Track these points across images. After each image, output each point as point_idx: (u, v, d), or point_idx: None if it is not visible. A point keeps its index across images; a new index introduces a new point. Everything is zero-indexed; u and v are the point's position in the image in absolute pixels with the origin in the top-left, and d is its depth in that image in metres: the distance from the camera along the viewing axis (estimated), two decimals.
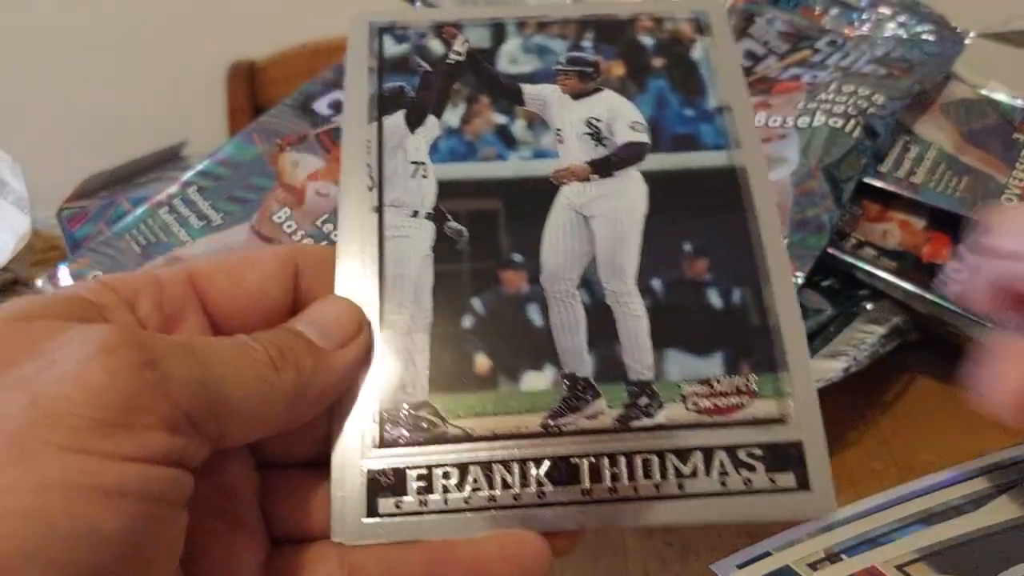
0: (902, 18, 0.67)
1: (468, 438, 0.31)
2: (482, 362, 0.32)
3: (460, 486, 0.30)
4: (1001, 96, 0.65)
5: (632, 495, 0.30)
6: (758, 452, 0.31)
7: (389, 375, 0.31)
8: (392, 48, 0.37)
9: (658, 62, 0.37)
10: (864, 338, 0.56)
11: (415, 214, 0.34)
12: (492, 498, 0.30)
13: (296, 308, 0.32)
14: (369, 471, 0.30)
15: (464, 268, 0.33)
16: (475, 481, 0.30)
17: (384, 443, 0.31)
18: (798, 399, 0.31)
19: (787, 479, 0.30)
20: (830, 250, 0.58)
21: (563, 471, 0.30)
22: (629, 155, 0.35)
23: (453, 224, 0.34)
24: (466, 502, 0.30)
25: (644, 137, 0.35)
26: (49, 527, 0.22)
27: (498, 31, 0.38)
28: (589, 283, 0.33)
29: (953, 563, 0.43)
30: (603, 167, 0.35)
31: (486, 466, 0.30)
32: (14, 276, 0.61)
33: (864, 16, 0.69)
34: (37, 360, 0.24)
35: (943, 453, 0.48)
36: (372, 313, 0.32)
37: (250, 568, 0.30)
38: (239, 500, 0.30)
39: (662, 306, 0.33)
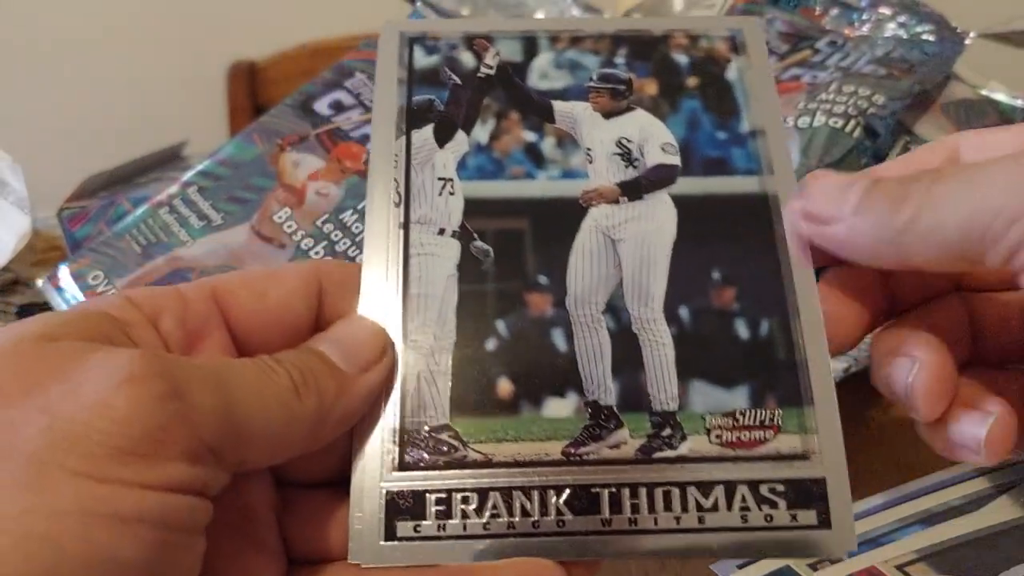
0: (902, 18, 0.66)
1: (488, 463, 0.30)
2: (504, 386, 0.32)
3: (479, 511, 0.30)
4: (1001, 96, 0.64)
5: (652, 527, 0.30)
6: (780, 488, 0.30)
7: (410, 396, 0.31)
8: (422, 59, 0.37)
9: (692, 81, 0.37)
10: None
11: (441, 232, 0.33)
12: (511, 525, 0.30)
13: (320, 324, 0.32)
14: (388, 493, 0.30)
15: (489, 289, 0.33)
16: (494, 507, 0.30)
17: (404, 465, 0.30)
18: (823, 435, 0.31)
19: (809, 516, 0.30)
20: None
21: (583, 500, 0.30)
22: (660, 178, 0.35)
23: (479, 243, 0.33)
24: (485, 528, 0.30)
25: (675, 159, 0.35)
26: (63, 553, 0.22)
27: (530, 45, 0.37)
28: (615, 309, 0.33)
29: (953, 563, 0.43)
30: (633, 190, 0.34)
31: (506, 492, 0.30)
32: (14, 276, 0.61)
33: (864, 16, 0.68)
34: (61, 385, 0.24)
35: None
36: (395, 332, 0.32)
37: None
38: (257, 520, 0.30)
39: (688, 335, 0.32)
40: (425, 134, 0.35)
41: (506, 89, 0.36)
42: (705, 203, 0.34)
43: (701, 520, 0.30)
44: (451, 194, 0.34)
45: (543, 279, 0.33)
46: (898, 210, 0.29)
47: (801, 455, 0.31)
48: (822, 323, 0.32)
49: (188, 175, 0.56)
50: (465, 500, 0.30)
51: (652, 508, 0.30)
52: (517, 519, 0.30)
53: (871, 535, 0.45)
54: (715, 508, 0.30)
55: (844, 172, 0.32)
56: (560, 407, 0.31)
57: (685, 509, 0.30)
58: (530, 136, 0.35)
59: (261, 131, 0.58)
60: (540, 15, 0.69)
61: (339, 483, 0.31)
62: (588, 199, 0.34)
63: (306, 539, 0.31)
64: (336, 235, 0.54)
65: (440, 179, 0.34)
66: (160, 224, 0.54)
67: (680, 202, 0.34)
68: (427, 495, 0.30)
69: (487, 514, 0.30)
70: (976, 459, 0.31)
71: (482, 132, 0.35)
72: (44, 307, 0.54)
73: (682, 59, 0.37)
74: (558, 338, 0.32)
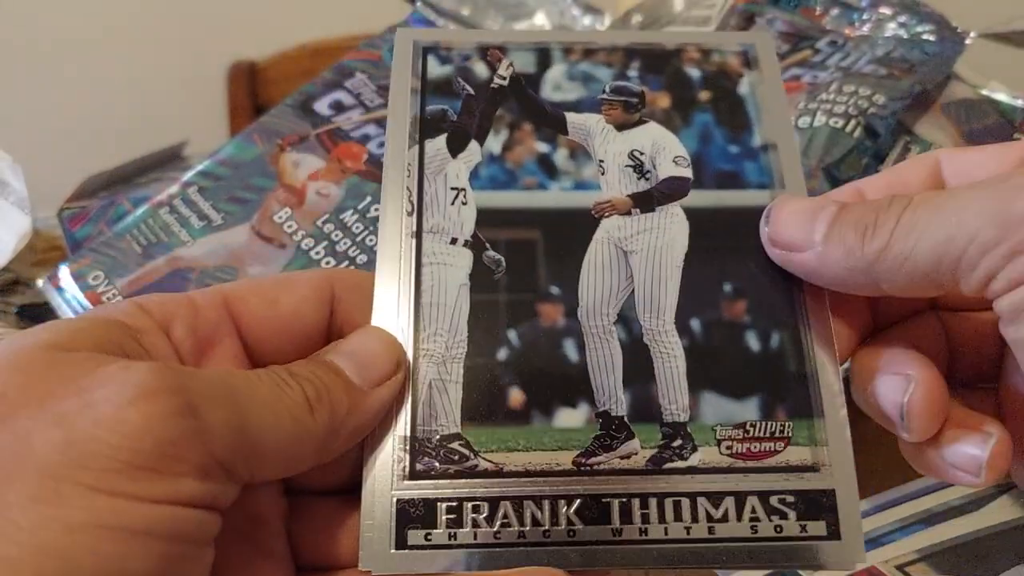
0: (903, 18, 0.66)
1: (499, 473, 0.31)
2: (516, 396, 0.32)
3: (490, 520, 0.30)
4: (1002, 96, 0.64)
5: (662, 537, 0.30)
6: (790, 499, 0.31)
7: (422, 405, 0.31)
8: (436, 69, 0.37)
9: (704, 95, 0.37)
10: None
11: (454, 241, 0.33)
12: (522, 534, 0.30)
13: (332, 332, 0.32)
14: (399, 501, 0.30)
15: (501, 298, 0.33)
16: (505, 516, 0.30)
17: (415, 474, 0.30)
18: (832, 447, 0.31)
19: (818, 527, 0.30)
20: None
21: (594, 510, 0.30)
22: (672, 190, 0.35)
23: (491, 253, 0.33)
24: (495, 537, 0.30)
25: (688, 172, 0.35)
26: (75, 566, 0.22)
27: (543, 56, 0.37)
28: (626, 320, 0.33)
29: (953, 563, 0.44)
30: (645, 202, 0.34)
31: (517, 502, 0.30)
32: (15, 276, 0.61)
33: (865, 16, 0.68)
34: (75, 397, 0.24)
35: None
36: (407, 340, 0.32)
37: None
38: (266, 527, 0.30)
39: (699, 347, 0.32)
40: (438, 144, 0.35)
41: (519, 100, 0.36)
42: (717, 216, 0.34)
43: (711, 530, 0.30)
44: (464, 204, 0.34)
45: (555, 289, 0.33)
46: (869, 239, 0.29)
47: (811, 467, 0.31)
48: (832, 335, 0.32)
49: (188, 175, 0.56)
50: (476, 509, 0.30)
51: (662, 518, 0.30)
52: (528, 528, 0.30)
53: (872, 535, 0.46)
54: (725, 519, 0.30)
55: (847, 173, 0.32)
56: (571, 417, 0.31)
57: (695, 519, 0.30)
58: (543, 147, 0.36)
59: (261, 131, 0.58)
60: (540, 15, 0.69)
61: (349, 491, 0.31)
62: (601, 210, 0.34)
63: (315, 547, 0.31)
64: (336, 235, 0.54)
65: (453, 189, 0.34)
66: (160, 224, 0.54)
67: (692, 215, 0.34)
68: (438, 504, 0.30)
69: (498, 523, 0.30)
70: (974, 481, 0.31)
71: (495, 143, 0.36)
72: (44, 307, 0.54)
73: (694, 73, 0.37)
74: (569, 348, 0.32)
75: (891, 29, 0.66)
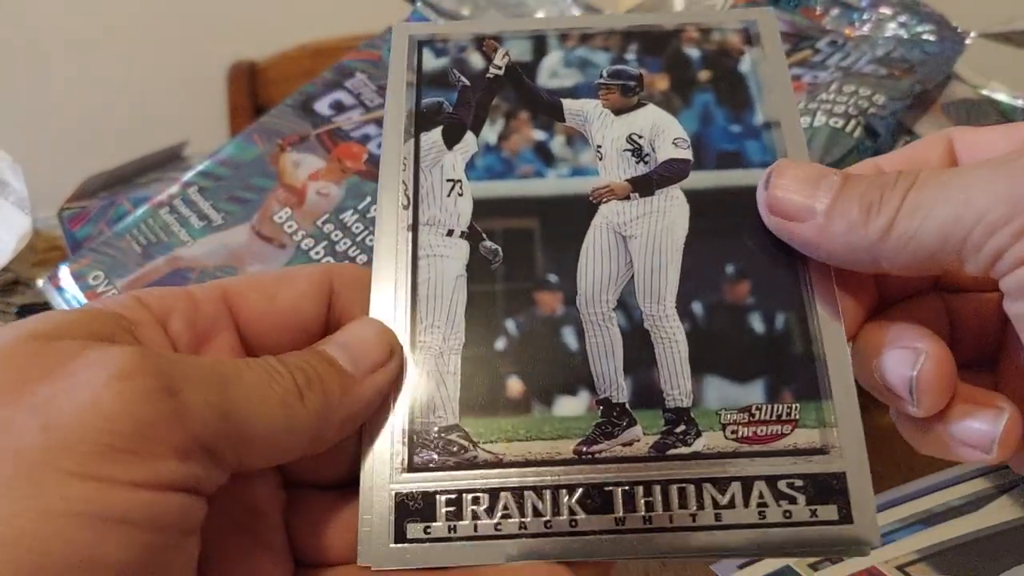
0: (903, 18, 0.66)
1: (499, 463, 0.30)
2: (515, 386, 0.31)
3: (490, 512, 0.30)
4: (1002, 96, 0.64)
5: (667, 525, 0.29)
6: (799, 483, 0.30)
7: (419, 397, 0.31)
8: (431, 62, 0.37)
9: (704, 75, 0.36)
10: None
11: (450, 233, 0.33)
12: (523, 525, 0.29)
13: (330, 327, 0.32)
14: (397, 495, 0.30)
15: (498, 289, 0.33)
16: (505, 507, 0.30)
17: (413, 467, 0.30)
18: (842, 429, 0.30)
19: (829, 511, 0.29)
20: None
21: (596, 499, 0.30)
22: (672, 173, 0.34)
23: (488, 243, 0.33)
24: (496, 529, 0.29)
25: (687, 154, 0.34)
26: (47, 556, 0.22)
27: (539, 44, 0.37)
28: (626, 306, 0.32)
29: (953, 563, 0.44)
30: (644, 185, 0.34)
31: (517, 492, 0.30)
32: (15, 276, 0.62)
33: (865, 16, 0.67)
34: (55, 383, 0.24)
35: None
36: (404, 333, 0.32)
37: None
38: (264, 520, 0.30)
39: (702, 331, 0.32)
40: (434, 136, 0.35)
41: (515, 89, 0.36)
42: (718, 197, 0.34)
43: (718, 517, 0.29)
44: (460, 195, 0.34)
45: (553, 278, 0.33)
46: (874, 216, 0.28)
47: (820, 449, 0.30)
48: (839, 315, 0.31)
49: (188, 175, 0.57)
50: (476, 501, 0.30)
51: (667, 506, 0.29)
52: (529, 519, 0.29)
53: None
54: (731, 505, 0.29)
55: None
56: (571, 405, 0.31)
57: (701, 507, 0.29)
58: (539, 135, 0.35)
59: (261, 131, 0.58)
60: (540, 14, 0.69)
61: (348, 484, 0.31)
62: (599, 195, 0.34)
63: (313, 541, 0.31)
64: (336, 235, 0.54)
65: (449, 180, 0.34)
66: (160, 224, 0.55)
67: (693, 197, 0.34)
68: (437, 496, 0.30)
69: (498, 515, 0.30)
70: (984, 458, 0.30)
71: (491, 132, 0.35)
72: (45, 307, 0.54)
73: (694, 53, 0.37)
74: (569, 337, 0.32)
75: (891, 29, 0.66)
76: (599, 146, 0.35)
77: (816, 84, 0.60)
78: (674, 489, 0.30)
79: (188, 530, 0.25)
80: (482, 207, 0.34)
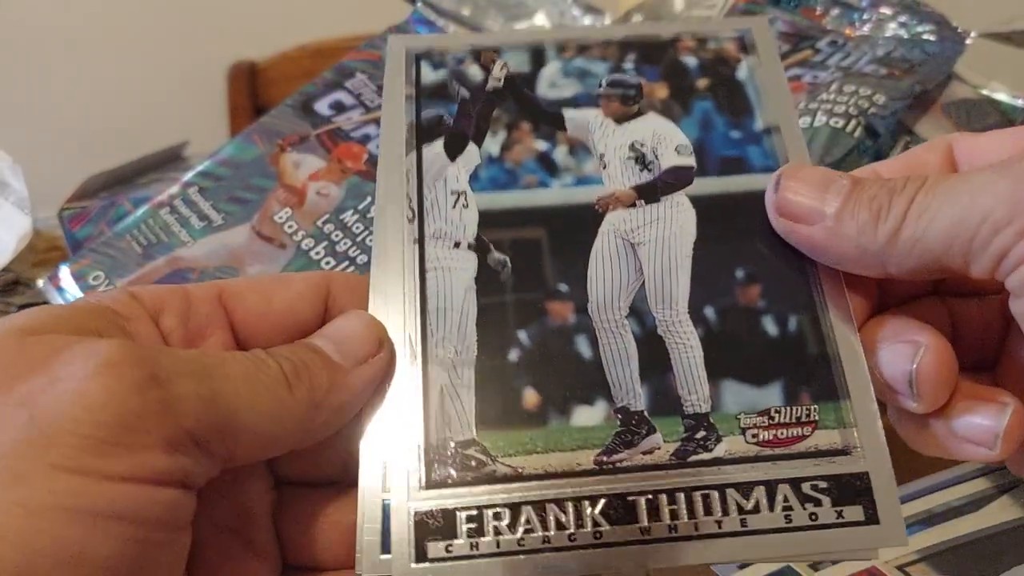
0: (903, 18, 0.67)
1: (519, 477, 0.30)
2: (530, 397, 0.31)
3: (512, 527, 0.29)
4: (1002, 96, 0.64)
5: (693, 533, 0.29)
6: (823, 485, 0.29)
7: (434, 412, 0.30)
8: (430, 75, 0.36)
9: (702, 83, 0.36)
10: None
11: (457, 245, 0.33)
12: (546, 539, 0.29)
13: None
14: (417, 513, 0.29)
15: (508, 300, 0.32)
16: (528, 522, 0.29)
17: (431, 484, 0.29)
18: (862, 428, 0.30)
19: (855, 512, 0.29)
20: None
21: (620, 510, 0.29)
22: (676, 179, 0.34)
23: (496, 255, 0.33)
24: (519, 544, 0.29)
25: (690, 161, 0.34)
26: (33, 552, 0.21)
27: (538, 55, 0.37)
28: (639, 312, 0.32)
29: (953, 563, 0.44)
30: (650, 192, 0.34)
31: (539, 506, 0.29)
32: (15, 276, 0.61)
33: (865, 16, 0.68)
34: (41, 377, 0.23)
35: None
36: (415, 347, 0.31)
37: None
38: (254, 520, 0.30)
39: (716, 335, 0.31)
40: (436, 148, 0.35)
41: (516, 100, 0.36)
42: (724, 202, 0.34)
43: (743, 523, 0.29)
44: (465, 207, 0.34)
45: (563, 287, 0.32)
46: (883, 220, 0.29)
47: (841, 450, 0.30)
48: (852, 314, 0.31)
49: (189, 175, 0.56)
50: (497, 516, 0.29)
51: (692, 513, 0.29)
52: (552, 533, 0.29)
53: None
54: (756, 510, 0.29)
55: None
56: (589, 415, 0.30)
57: (726, 512, 0.29)
58: (542, 145, 0.35)
59: (261, 131, 0.58)
60: (540, 15, 0.69)
61: (340, 482, 0.30)
62: (605, 204, 0.34)
63: (302, 541, 0.30)
64: (336, 235, 0.53)
65: (453, 192, 0.34)
66: (161, 224, 0.54)
67: (698, 203, 0.34)
68: (457, 513, 0.29)
69: (520, 529, 0.29)
70: (987, 455, 0.30)
71: (493, 144, 0.35)
72: None
73: (691, 61, 0.37)
74: (582, 345, 0.31)
75: (891, 29, 0.66)
76: (602, 155, 0.35)
77: (816, 84, 0.60)
78: (698, 496, 0.29)
79: (178, 525, 0.24)
80: (488, 218, 0.33)
